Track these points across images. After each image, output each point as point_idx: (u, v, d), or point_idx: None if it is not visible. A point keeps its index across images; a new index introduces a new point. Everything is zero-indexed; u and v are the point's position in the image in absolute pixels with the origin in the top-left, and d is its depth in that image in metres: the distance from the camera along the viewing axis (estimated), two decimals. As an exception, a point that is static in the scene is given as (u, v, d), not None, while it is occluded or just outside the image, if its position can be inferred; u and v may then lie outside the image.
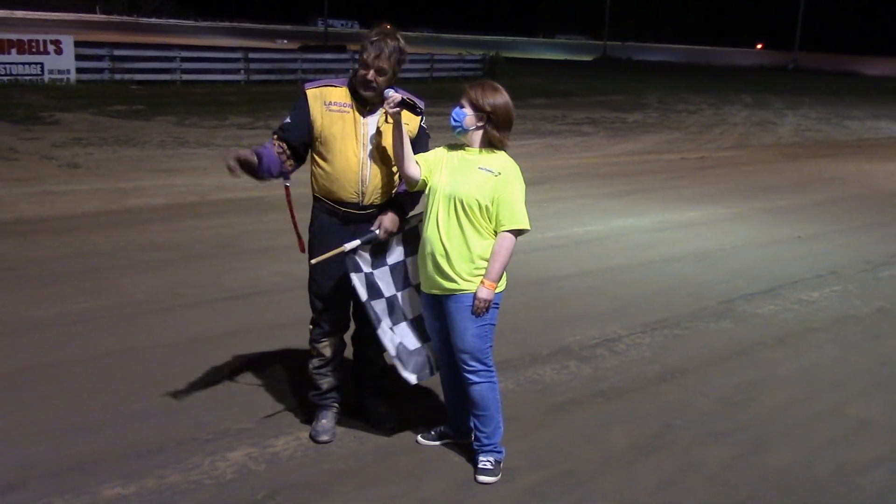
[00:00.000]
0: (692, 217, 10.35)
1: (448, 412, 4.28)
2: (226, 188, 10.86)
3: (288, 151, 4.06)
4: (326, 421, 4.33)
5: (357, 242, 3.99)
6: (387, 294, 4.09)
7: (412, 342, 4.14)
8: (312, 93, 4.06)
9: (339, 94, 4.05)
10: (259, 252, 7.66)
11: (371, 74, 3.91)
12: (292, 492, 3.78)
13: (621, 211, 10.49)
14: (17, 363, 5.05)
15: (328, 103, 4.02)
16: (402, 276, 4.16)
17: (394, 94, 3.81)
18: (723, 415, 4.81)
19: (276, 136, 4.07)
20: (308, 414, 4.45)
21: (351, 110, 4.02)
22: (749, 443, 4.48)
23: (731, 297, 7.00)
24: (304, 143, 4.08)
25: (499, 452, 4.04)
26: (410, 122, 4.04)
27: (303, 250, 4.19)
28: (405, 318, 4.16)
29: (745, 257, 8.44)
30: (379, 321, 4.00)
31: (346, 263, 3.98)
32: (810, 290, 7.35)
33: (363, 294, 3.96)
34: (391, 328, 4.06)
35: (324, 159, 4.06)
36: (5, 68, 21.79)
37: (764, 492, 4.00)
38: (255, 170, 3.89)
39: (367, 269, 4.05)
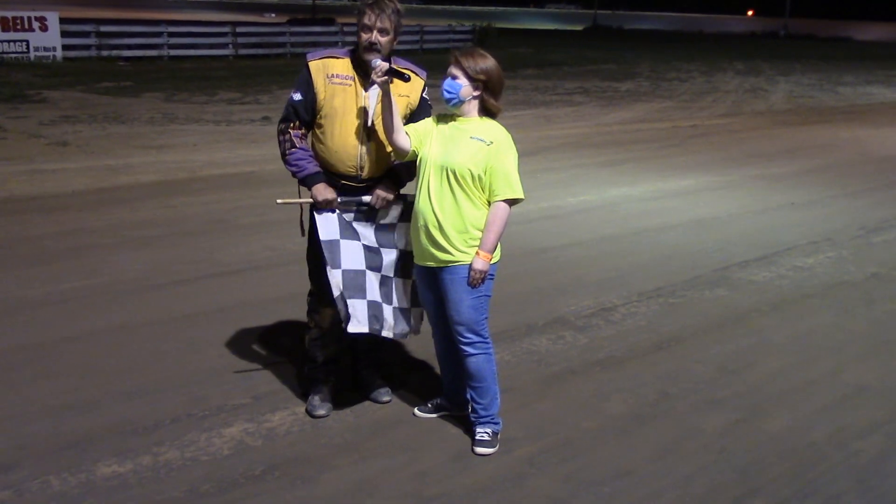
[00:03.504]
0: (685, 185, 10.32)
1: (444, 384, 4.27)
2: (216, 164, 10.79)
3: (304, 130, 4.04)
4: (323, 395, 4.31)
5: (343, 199, 3.98)
6: (347, 266, 3.99)
7: (392, 300, 4.10)
8: (315, 65, 3.99)
9: (342, 65, 3.99)
10: (251, 227, 7.61)
11: (374, 36, 3.84)
12: (290, 466, 3.77)
13: (614, 180, 10.45)
14: (8, 342, 5.01)
15: (330, 75, 3.96)
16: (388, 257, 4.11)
17: (382, 63, 3.75)
18: (719, 382, 4.81)
19: (294, 124, 4.01)
20: (304, 388, 4.43)
21: (353, 83, 3.96)
22: (746, 409, 4.49)
23: (725, 265, 6.99)
24: (313, 117, 4.04)
25: (496, 424, 4.03)
26: (412, 94, 4.00)
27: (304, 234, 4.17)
28: (378, 284, 4.10)
29: (738, 225, 8.43)
30: (326, 265, 3.96)
31: (319, 226, 3.96)
32: (805, 256, 7.34)
33: (328, 261, 3.94)
34: (344, 297, 3.98)
35: (324, 132, 4.01)
36: (-11, 46, 21.56)
37: (762, 458, 4.00)
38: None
39: (336, 236, 3.98)
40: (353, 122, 3.96)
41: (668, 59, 32.54)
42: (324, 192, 3.95)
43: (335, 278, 3.94)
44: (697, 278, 6.65)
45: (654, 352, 5.22)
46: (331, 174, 4.05)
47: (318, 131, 4.05)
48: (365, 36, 3.88)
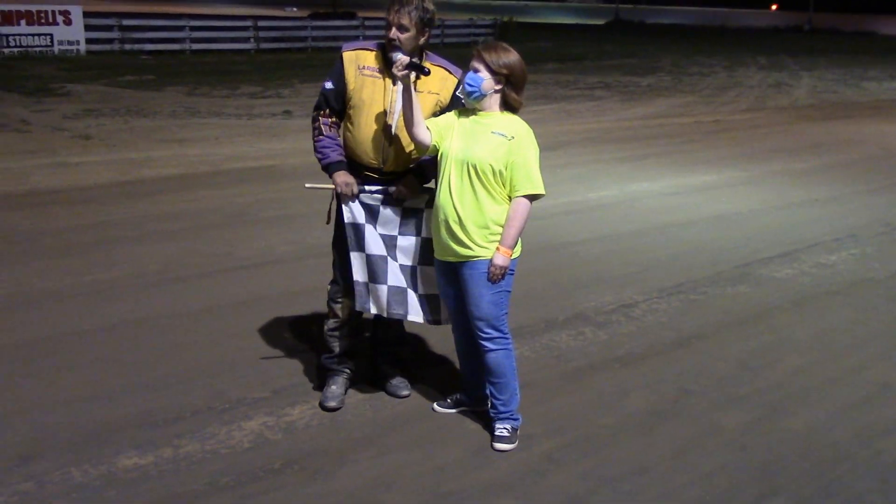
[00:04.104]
0: (707, 181, 10.24)
1: (464, 379, 4.26)
2: (238, 157, 10.83)
3: (335, 119, 4.07)
4: (336, 387, 4.32)
5: (364, 188, 4.00)
6: (370, 251, 4.04)
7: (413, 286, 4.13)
8: (348, 55, 4.03)
9: (372, 57, 4.01)
10: (272, 221, 7.63)
11: (393, 32, 3.85)
12: (309, 460, 3.78)
13: (635, 175, 10.39)
14: (32, 334, 5.05)
15: (362, 67, 3.99)
16: (412, 250, 4.11)
17: (402, 57, 3.75)
18: (740, 379, 4.78)
19: (324, 112, 4.04)
20: (320, 379, 4.44)
21: (381, 76, 3.97)
22: (767, 407, 4.45)
23: (747, 261, 6.94)
24: (343, 106, 4.07)
25: (515, 420, 4.02)
26: (443, 92, 4.01)
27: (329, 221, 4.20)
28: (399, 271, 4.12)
29: (761, 221, 8.36)
30: (350, 249, 4.03)
31: (344, 210, 4.01)
32: (828, 253, 7.26)
33: (351, 244, 4.00)
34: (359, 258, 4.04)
35: (352, 123, 4.05)
36: (15, 40, 21.76)
37: (783, 456, 3.97)
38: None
39: (361, 220, 4.00)
40: (379, 115, 3.98)
41: (690, 53, 32.29)
42: (344, 177, 3.99)
43: (358, 261, 3.99)
44: (719, 275, 6.60)
45: (675, 348, 5.19)
46: (356, 164, 4.08)
47: (347, 122, 4.09)
48: (387, 32, 3.90)
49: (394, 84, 3.94)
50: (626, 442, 4.07)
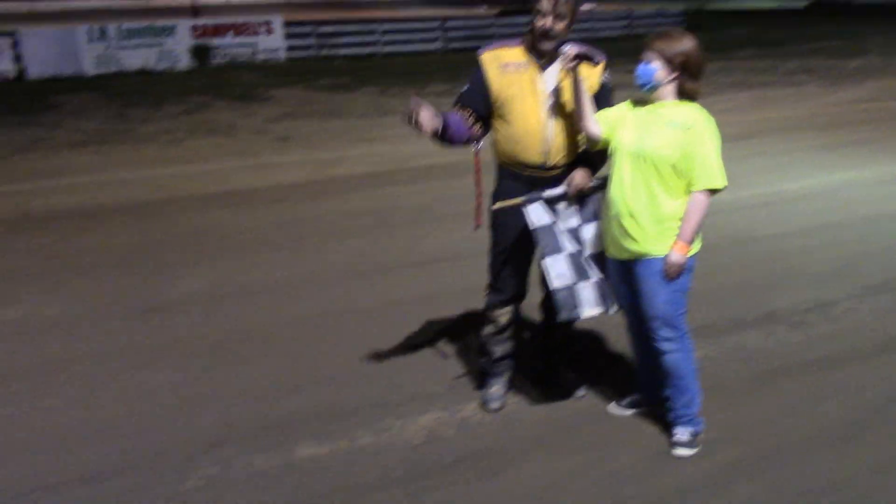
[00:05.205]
0: (923, 169, 9.37)
1: (640, 380, 4.09)
2: (423, 155, 11.03)
3: (472, 118, 3.97)
4: (497, 388, 4.27)
5: (543, 194, 3.85)
6: (567, 250, 3.89)
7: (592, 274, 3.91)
8: (487, 57, 3.95)
9: (514, 53, 3.91)
10: (455, 216, 7.70)
11: (549, 22, 3.73)
12: (481, 458, 3.76)
13: (839, 164, 9.66)
14: (228, 326, 5.35)
15: (504, 65, 3.89)
16: (590, 237, 3.96)
17: (570, 49, 3.63)
18: (957, 389, 4.31)
19: (457, 106, 4.00)
20: (479, 380, 4.41)
21: (527, 69, 3.87)
22: None
23: (969, 257, 6.27)
24: (486, 109, 3.97)
25: (697, 424, 3.81)
26: (590, 77, 3.83)
27: (477, 226, 4.10)
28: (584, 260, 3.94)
29: None
30: (546, 254, 3.81)
31: (527, 216, 3.83)
32: None
33: (546, 249, 3.81)
34: (561, 260, 3.84)
35: (504, 122, 3.94)
36: (223, 51, 23.32)
37: None
38: (443, 131, 3.82)
39: (548, 220, 3.87)
40: (533, 108, 3.86)
41: (905, 32, 29.74)
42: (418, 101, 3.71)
43: (560, 264, 3.82)
44: (934, 272, 6.00)
45: (879, 353, 4.75)
46: (517, 165, 3.97)
47: (498, 122, 3.97)
48: (540, 22, 3.76)
49: (540, 74, 3.81)
50: (821, 453, 3.76)
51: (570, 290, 3.81)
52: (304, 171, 10.25)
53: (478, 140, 3.99)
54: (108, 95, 16.13)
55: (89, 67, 20.29)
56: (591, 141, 3.77)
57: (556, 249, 3.83)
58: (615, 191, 3.66)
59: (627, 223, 3.61)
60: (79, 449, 3.89)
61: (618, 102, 3.80)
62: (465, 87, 3.99)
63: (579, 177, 3.88)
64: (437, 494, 3.49)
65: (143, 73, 20.77)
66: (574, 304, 3.80)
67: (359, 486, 3.55)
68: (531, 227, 3.83)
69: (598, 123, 3.71)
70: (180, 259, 6.80)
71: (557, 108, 3.85)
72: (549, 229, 3.83)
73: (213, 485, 3.56)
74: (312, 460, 3.75)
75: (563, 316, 3.83)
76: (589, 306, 3.84)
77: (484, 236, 4.18)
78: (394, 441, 3.91)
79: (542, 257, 3.82)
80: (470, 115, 3.95)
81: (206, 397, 4.38)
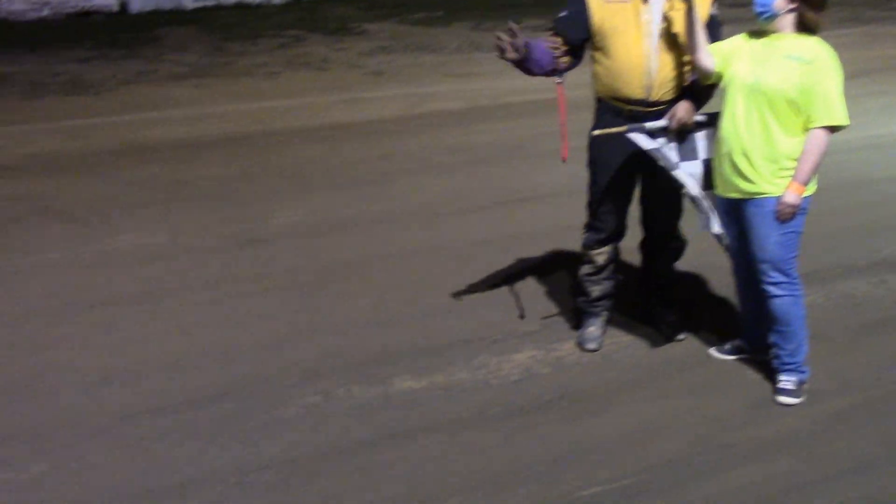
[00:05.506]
0: None
1: (744, 325, 3.97)
2: (519, 91, 10.85)
3: (563, 48, 3.83)
4: (594, 328, 4.21)
5: (644, 126, 3.71)
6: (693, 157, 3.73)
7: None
8: None
9: None
10: (551, 154, 7.55)
11: None
12: (577, 398, 3.73)
13: (962, 104, 9.09)
14: (326, 260, 5.41)
15: None
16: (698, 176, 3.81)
17: None
18: None
19: (550, 31, 3.86)
20: (576, 320, 4.35)
21: (631, 0, 3.70)
22: None
23: None
24: (580, 39, 3.83)
25: (802, 372, 3.69)
26: (699, 8, 3.65)
27: (565, 158, 3.99)
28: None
29: None
30: (675, 167, 3.68)
31: (636, 142, 3.68)
32: None
33: (671, 164, 3.66)
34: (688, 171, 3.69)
35: (605, 54, 3.80)
36: (317, -17, 23.26)
37: None
38: (523, 61, 3.70)
39: (658, 143, 3.73)
40: (636, 40, 3.70)
41: None
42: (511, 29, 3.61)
43: (695, 168, 3.69)
44: None
45: None
46: (617, 101, 3.84)
47: (598, 55, 3.83)
48: None
49: (645, 3, 3.64)
50: (934, 406, 3.60)
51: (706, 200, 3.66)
52: (397, 105, 10.21)
53: (561, 72, 3.86)
54: (207, 29, 16.34)
55: (188, 1, 20.61)
56: (703, 74, 3.61)
57: (692, 156, 3.70)
58: (727, 127, 3.51)
59: (740, 161, 3.47)
60: (183, 374, 4.02)
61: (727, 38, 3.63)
62: (563, 13, 3.84)
63: (682, 110, 3.73)
64: (535, 432, 3.48)
65: (240, 7, 20.93)
66: (708, 217, 3.65)
67: (456, 422, 3.57)
68: (645, 149, 3.68)
69: (712, 55, 3.54)
70: (277, 192, 6.90)
71: (662, 41, 3.69)
72: (661, 149, 3.70)
73: (314, 413, 3.63)
74: (410, 394, 3.78)
75: (702, 225, 3.69)
76: (717, 225, 3.68)
77: (579, 174, 4.09)
78: (489, 378, 3.91)
79: (673, 169, 3.67)
80: (561, 45, 3.81)
81: (304, 328, 4.46)
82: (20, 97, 11.07)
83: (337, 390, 3.82)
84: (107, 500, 3.12)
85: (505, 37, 3.61)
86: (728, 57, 3.54)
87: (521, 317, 4.44)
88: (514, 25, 3.59)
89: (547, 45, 3.80)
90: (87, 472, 3.28)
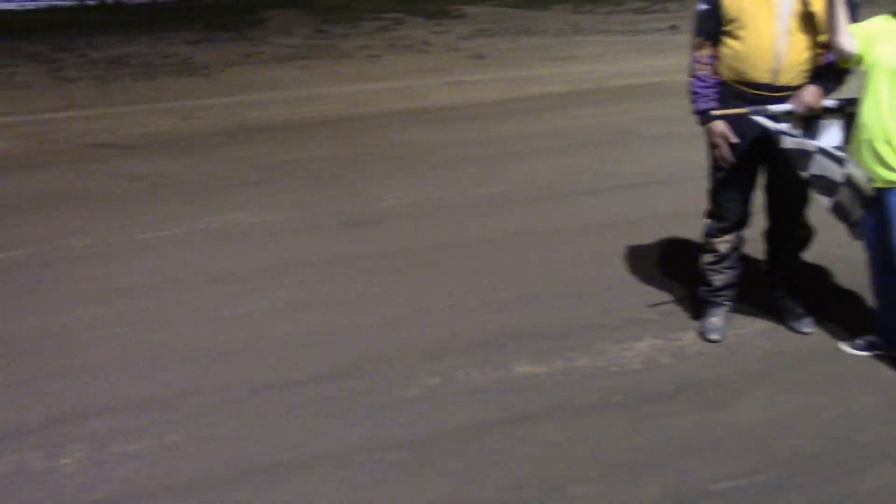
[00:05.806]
0: None
1: (879, 320, 3.80)
2: (622, 74, 10.70)
3: (713, 51, 3.79)
4: (717, 319, 4.10)
5: (767, 108, 3.59)
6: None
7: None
8: None
9: None
10: (659, 139, 7.43)
11: None
12: (702, 389, 3.64)
13: None
14: (432, 241, 5.44)
15: None
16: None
17: None
18: None
19: (701, 41, 3.78)
20: (698, 310, 4.25)
21: None
22: None
23: None
24: (718, 30, 3.76)
25: (943, 372, 3.52)
26: None
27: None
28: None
29: None
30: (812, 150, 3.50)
31: (761, 123, 3.58)
32: None
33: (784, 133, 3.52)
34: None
35: (733, 38, 3.69)
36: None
37: None
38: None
39: (784, 125, 3.59)
40: (766, 21, 3.58)
41: None
42: (721, 127, 3.74)
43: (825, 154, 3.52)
44: None
45: None
46: (742, 85, 3.72)
47: (727, 39, 3.73)
48: None
49: None
50: None
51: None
52: (498, 89, 10.18)
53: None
54: (309, 12, 16.58)
55: (290, -16, 20.93)
56: (843, 57, 3.46)
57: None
58: (869, 113, 3.36)
59: (882, 149, 3.32)
60: (304, 351, 4.08)
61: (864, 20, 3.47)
62: (702, 6, 3.76)
63: (809, 94, 3.59)
64: (659, 422, 3.41)
65: (340, -11, 21.22)
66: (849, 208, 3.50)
67: (578, 408, 3.52)
68: (772, 130, 3.56)
69: (853, 37, 3.39)
70: (383, 173, 6.96)
71: (792, 23, 3.56)
72: (785, 133, 3.55)
73: (435, 395, 3.64)
74: (530, 378, 3.75)
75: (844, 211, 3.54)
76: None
77: (687, 160, 3.98)
78: (610, 365, 3.85)
79: (815, 150, 3.50)
80: (711, 50, 3.78)
81: (422, 309, 4.48)
82: (133, 78, 11.45)
83: (456, 372, 3.82)
84: (238, 471, 3.19)
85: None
86: (871, 38, 3.38)
87: (655, 305, 4.35)
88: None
89: (707, 70, 3.80)
90: (218, 443, 3.37)
